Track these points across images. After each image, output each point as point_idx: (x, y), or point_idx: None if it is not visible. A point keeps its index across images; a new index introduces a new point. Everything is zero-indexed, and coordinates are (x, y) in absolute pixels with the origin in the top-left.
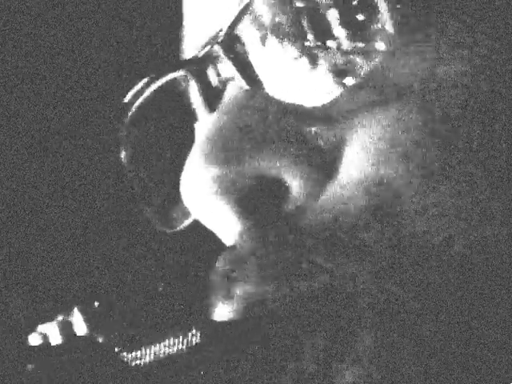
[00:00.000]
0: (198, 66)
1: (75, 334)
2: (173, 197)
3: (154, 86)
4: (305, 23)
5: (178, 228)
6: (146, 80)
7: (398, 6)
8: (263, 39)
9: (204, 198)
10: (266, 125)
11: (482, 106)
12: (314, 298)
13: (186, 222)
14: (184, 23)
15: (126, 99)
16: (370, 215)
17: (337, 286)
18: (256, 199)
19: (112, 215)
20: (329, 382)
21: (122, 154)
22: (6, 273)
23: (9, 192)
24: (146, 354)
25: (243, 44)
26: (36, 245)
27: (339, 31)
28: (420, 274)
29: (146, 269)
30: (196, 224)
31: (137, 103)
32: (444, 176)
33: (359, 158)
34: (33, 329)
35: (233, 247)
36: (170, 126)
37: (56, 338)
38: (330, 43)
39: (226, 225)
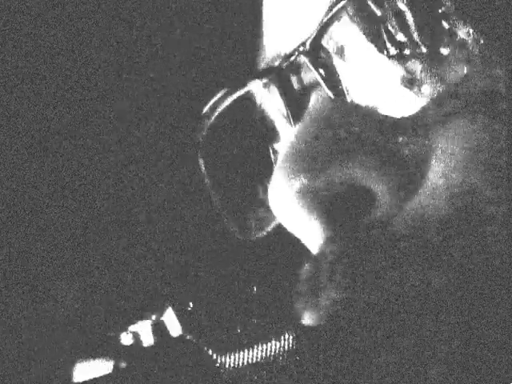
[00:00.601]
0: (282, 76)
1: (169, 335)
2: (252, 206)
3: (234, 96)
4: (387, 33)
5: (256, 236)
6: (226, 89)
7: (477, 16)
8: (349, 50)
9: (291, 208)
10: (351, 135)
11: None
12: (402, 305)
13: (266, 231)
14: (265, 33)
15: (206, 108)
16: (457, 223)
17: (425, 292)
18: (342, 208)
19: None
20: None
21: (201, 164)
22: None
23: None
24: (238, 357)
25: (329, 54)
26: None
27: (420, 40)
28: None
29: (241, 273)
30: (281, 231)
31: (216, 112)
32: None
33: (444, 166)
34: (125, 328)
35: (319, 255)
36: (249, 136)
37: (148, 338)
38: (413, 51)
39: (313, 234)
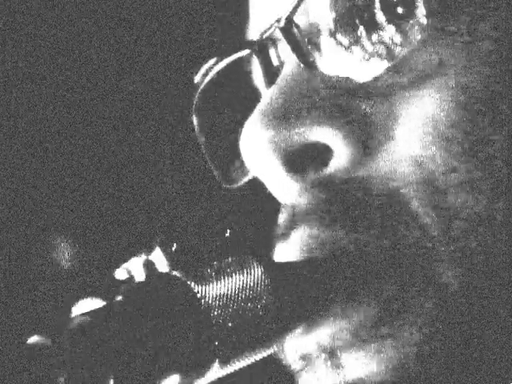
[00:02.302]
0: (261, 47)
1: (157, 271)
2: (234, 157)
3: (222, 64)
4: (354, 15)
5: (238, 184)
6: (214, 59)
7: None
8: (318, 25)
9: (261, 156)
10: (316, 95)
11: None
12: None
13: (245, 179)
14: (249, 9)
15: (199, 74)
16: (414, 184)
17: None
18: (305, 161)
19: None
20: None
21: (195, 123)
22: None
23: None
24: (216, 288)
25: (300, 29)
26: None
27: (382, 22)
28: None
29: (215, 218)
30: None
31: (207, 78)
32: (482, 152)
33: (405, 131)
34: (118, 265)
35: (293, 203)
36: (234, 98)
37: (139, 274)
38: (374, 32)
39: (279, 181)
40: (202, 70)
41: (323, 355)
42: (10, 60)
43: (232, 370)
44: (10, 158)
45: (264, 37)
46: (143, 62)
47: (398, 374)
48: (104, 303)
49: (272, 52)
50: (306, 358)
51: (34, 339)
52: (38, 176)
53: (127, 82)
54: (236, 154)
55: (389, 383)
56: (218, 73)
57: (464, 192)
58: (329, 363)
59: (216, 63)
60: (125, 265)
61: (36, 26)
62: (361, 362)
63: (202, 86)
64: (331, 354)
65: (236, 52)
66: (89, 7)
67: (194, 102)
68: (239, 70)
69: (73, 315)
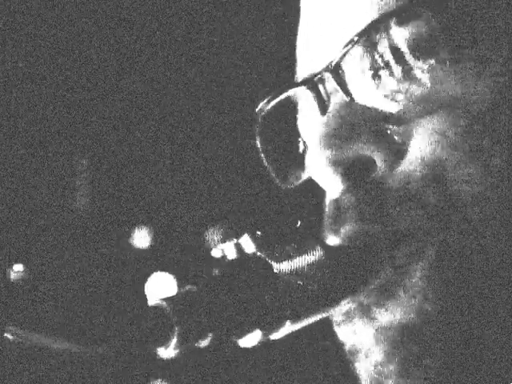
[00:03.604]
0: (314, 84)
1: (245, 251)
2: (291, 165)
3: (282, 96)
4: (382, 61)
5: (293, 185)
6: (273, 93)
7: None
8: (358, 70)
9: (321, 168)
10: (359, 123)
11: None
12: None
13: (299, 182)
14: (300, 57)
15: (260, 105)
16: (427, 181)
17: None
18: (353, 169)
19: None
20: None
21: (258, 140)
22: None
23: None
24: (287, 265)
25: (344, 72)
26: None
27: (407, 64)
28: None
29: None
30: (310, 183)
31: (269, 107)
32: (473, 159)
33: (421, 145)
34: (215, 245)
35: (339, 199)
36: (291, 123)
37: (231, 254)
38: (400, 73)
39: (334, 185)
40: (265, 100)
41: (360, 310)
42: (10, 60)
43: (299, 327)
44: (9, 158)
45: (316, 77)
46: (143, 61)
47: (416, 321)
48: (202, 275)
49: (321, 88)
50: (346, 313)
51: (154, 301)
52: (37, 176)
53: (127, 82)
54: (293, 163)
55: (408, 327)
56: (278, 103)
57: (467, 186)
58: (364, 317)
59: (277, 96)
60: (220, 246)
61: (36, 26)
62: (388, 314)
63: (264, 113)
64: (366, 309)
65: (294, 87)
66: (89, 7)
67: (258, 126)
68: (296, 102)
69: (180, 285)
